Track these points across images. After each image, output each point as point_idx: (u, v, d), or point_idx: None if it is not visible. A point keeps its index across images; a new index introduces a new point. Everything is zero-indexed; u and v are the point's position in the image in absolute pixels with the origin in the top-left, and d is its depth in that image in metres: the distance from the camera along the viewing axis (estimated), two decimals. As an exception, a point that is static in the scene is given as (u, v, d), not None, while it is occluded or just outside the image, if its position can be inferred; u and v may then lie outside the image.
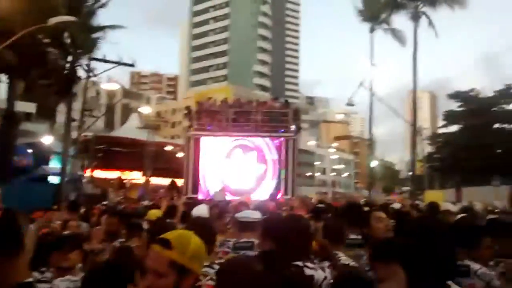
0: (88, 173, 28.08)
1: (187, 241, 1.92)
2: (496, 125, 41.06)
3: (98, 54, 20.13)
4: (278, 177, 18.96)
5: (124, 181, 28.13)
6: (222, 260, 3.72)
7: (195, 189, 17.87)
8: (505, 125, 41.19)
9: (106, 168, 34.43)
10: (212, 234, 3.06)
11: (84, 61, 19.96)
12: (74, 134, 20.84)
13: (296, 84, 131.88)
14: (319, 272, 2.81)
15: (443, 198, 12.98)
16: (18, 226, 2.01)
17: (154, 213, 6.16)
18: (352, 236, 3.92)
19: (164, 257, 1.83)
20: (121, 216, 5.79)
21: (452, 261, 2.06)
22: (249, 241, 3.92)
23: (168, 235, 1.92)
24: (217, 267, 2.65)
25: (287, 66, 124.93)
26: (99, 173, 32.05)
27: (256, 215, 4.24)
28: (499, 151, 38.05)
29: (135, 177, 32.86)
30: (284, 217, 4.20)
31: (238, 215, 4.27)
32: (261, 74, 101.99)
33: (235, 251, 3.89)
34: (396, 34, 34.49)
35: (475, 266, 3.02)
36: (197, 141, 18.89)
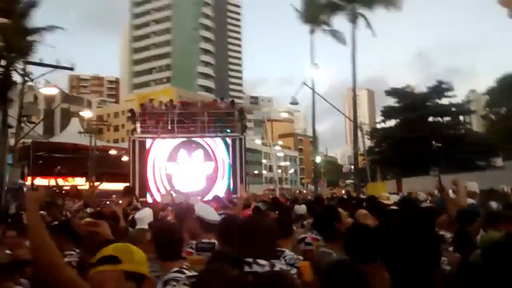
0: (29, 181, 26.92)
1: (129, 249, 1.93)
2: (431, 119, 43.34)
3: (34, 57, 19.35)
4: (227, 176, 19.13)
5: (79, 189, 27.18)
6: (185, 265, 3.75)
7: (143, 193, 17.68)
8: (439, 118, 43.59)
9: (48, 176, 33.14)
10: (180, 238, 3.06)
11: (19, 65, 19.14)
12: (11, 141, 19.93)
13: (240, 85, 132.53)
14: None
15: (384, 189, 13.57)
16: None
17: None
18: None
19: (118, 272, 1.81)
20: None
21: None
22: (211, 242, 3.96)
23: (108, 251, 1.89)
24: (186, 271, 2.77)
25: (230, 66, 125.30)
26: (40, 181, 30.80)
27: (216, 216, 4.24)
28: (434, 143, 40.26)
29: (79, 183, 31.86)
30: (243, 218, 4.14)
31: (201, 214, 4.22)
32: (205, 75, 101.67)
33: (197, 252, 3.88)
34: (335, 35, 35.63)
35: None
36: (142, 144, 18.68)
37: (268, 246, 2.80)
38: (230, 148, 18.92)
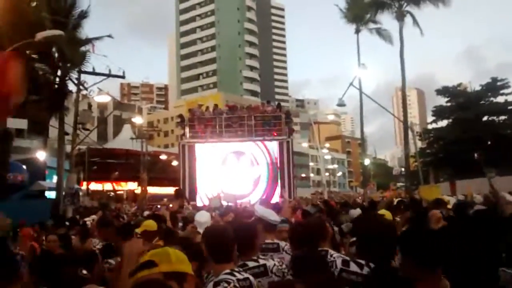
0: (84, 186, 28.00)
1: (165, 252, 1.99)
2: (485, 118, 41.51)
3: (87, 67, 20.11)
4: (275, 180, 19.08)
5: (136, 193, 28.17)
6: (254, 264, 3.77)
7: (193, 196, 17.96)
8: (494, 118, 41.66)
9: (102, 180, 34.40)
10: (231, 241, 3.03)
11: (73, 74, 19.94)
12: (67, 148, 20.79)
13: (286, 88, 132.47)
14: (270, 261, 3.25)
15: (437, 192, 13.04)
16: (12, 253, 2.02)
17: (148, 224, 5.87)
18: None
19: (156, 274, 1.86)
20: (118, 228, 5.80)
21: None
22: (274, 242, 3.95)
23: (145, 258, 1.96)
24: (237, 274, 2.80)
25: (275, 70, 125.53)
26: (95, 185, 32.01)
27: (277, 217, 4.23)
28: (489, 143, 38.48)
29: (131, 187, 32.83)
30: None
31: (264, 215, 4.18)
32: (251, 80, 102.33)
33: (262, 253, 3.73)
34: (382, 34, 34.88)
35: None
36: (191, 149, 18.99)
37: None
38: (278, 152, 18.89)
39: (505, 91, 41.37)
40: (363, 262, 2.96)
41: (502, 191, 12.29)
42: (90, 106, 23.64)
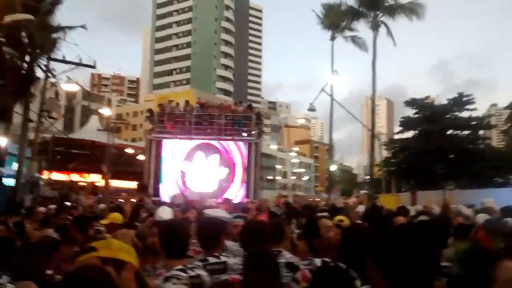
0: (45, 175, 27.31)
1: (108, 241, 2.13)
2: (450, 132, 42.71)
3: (57, 54, 19.66)
4: (241, 180, 19.13)
5: (97, 187, 27.62)
6: (195, 264, 3.84)
7: (156, 192, 17.80)
8: (458, 132, 42.92)
9: (65, 171, 33.63)
10: (186, 237, 3.09)
11: (42, 61, 19.46)
12: (31, 136, 20.26)
13: (259, 89, 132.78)
14: (232, 258, 3.32)
15: (397, 201, 13.42)
16: None
17: (114, 217, 5.96)
18: None
19: (94, 258, 1.93)
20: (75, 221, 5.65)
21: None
22: None
23: (93, 244, 2.07)
24: (189, 271, 2.80)
25: (250, 71, 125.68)
26: (57, 175, 31.27)
27: (226, 215, 4.43)
28: (452, 156, 39.62)
29: (95, 179, 32.22)
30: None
31: (209, 214, 4.34)
32: (224, 79, 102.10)
33: None
34: (357, 41, 35.47)
35: None
36: (158, 144, 18.83)
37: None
38: (246, 152, 18.95)
39: (470, 106, 42.73)
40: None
41: (461, 204, 12.73)
42: (57, 94, 23.01)
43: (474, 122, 42.60)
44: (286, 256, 3.52)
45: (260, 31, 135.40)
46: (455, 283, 2.02)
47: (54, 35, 19.64)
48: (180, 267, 2.81)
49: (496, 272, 1.86)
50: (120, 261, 1.99)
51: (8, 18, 13.06)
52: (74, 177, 33.46)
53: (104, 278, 1.59)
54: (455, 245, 2.61)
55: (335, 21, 35.91)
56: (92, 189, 25.24)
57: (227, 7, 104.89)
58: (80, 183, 30.35)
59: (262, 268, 2.61)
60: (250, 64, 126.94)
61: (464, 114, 42.90)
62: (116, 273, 1.90)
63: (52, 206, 10.40)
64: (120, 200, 17.24)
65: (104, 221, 5.83)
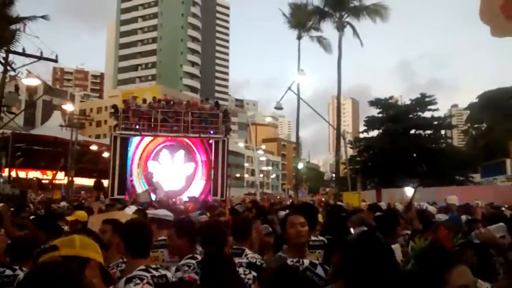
0: (6, 172, 26.36)
1: (71, 238, 2.06)
2: (413, 131, 43.82)
3: (17, 47, 18.94)
4: (208, 178, 19.05)
5: (43, 182, 26.78)
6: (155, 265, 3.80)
7: (122, 190, 17.50)
8: (421, 131, 44.09)
9: (27, 168, 32.59)
10: (149, 236, 3.04)
11: (1, 53, 18.74)
12: (-11, 132, 19.52)
13: (226, 86, 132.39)
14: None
15: (359, 199, 13.73)
16: None
17: (79, 214, 5.93)
18: (313, 238, 4.03)
19: (56, 258, 1.90)
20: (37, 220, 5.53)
21: None
22: (165, 238, 3.96)
23: (55, 242, 2.04)
24: (152, 270, 2.74)
25: (217, 68, 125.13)
26: (18, 173, 30.26)
27: (169, 213, 4.45)
28: (415, 155, 40.67)
29: (58, 177, 31.33)
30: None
31: (153, 212, 4.45)
32: (191, 75, 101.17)
33: (153, 250, 3.81)
34: (322, 42, 35.84)
35: None
36: (124, 141, 18.51)
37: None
38: (213, 150, 18.88)
39: (432, 107, 43.97)
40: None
41: (423, 201, 13.07)
42: (17, 88, 22.17)
43: (436, 122, 43.91)
44: (248, 255, 3.56)
45: (227, 28, 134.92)
46: (406, 278, 2.08)
47: (13, 27, 18.92)
48: (143, 266, 2.74)
49: (448, 276, 1.92)
50: (83, 258, 1.97)
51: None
52: (37, 174, 32.47)
53: (66, 274, 1.53)
54: (415, 240, 2.70)
55: (301, 20, 36.15)
56: (38, 185, 24.50)
57: (194, 3, 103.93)
58: (43, 181, 29.44)
59: (218, 268, 2.59)
60: (217, 61, 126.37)
61: (427, 114, 44.16)
62: (80, 270, 1.87)
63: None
64: (82, 199, 16.87)
65: (69, 218, 5.84)
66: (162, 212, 4.34)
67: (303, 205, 5.32)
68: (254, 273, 3.12)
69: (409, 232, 4.96)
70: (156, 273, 2.74)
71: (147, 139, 19.14)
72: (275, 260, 3.23)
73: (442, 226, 4.11)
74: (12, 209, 6.55)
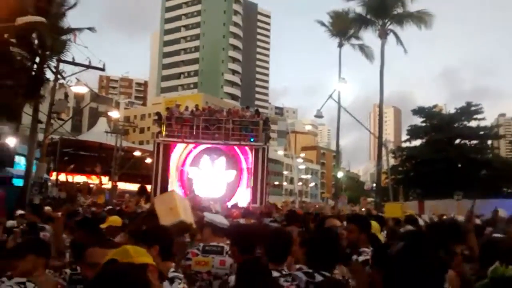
0: (54, 176, 27.35)
1: (124, 249, 2.15)
2: (458, 141, 42.49)
3: (67, 56, 19.78)
4: (248, 185, 19.12)
5: (91, 186, 27.64)
6: (189, 262, 3.92)
7: (164, 195, 17.85)
8: (466, 141, 42.68)
9: (73, 172, 33.79)
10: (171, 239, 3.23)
11: (52, 62, 19.58)
12: (40, 137, 20.37)
13: (266, 94, 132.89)
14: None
15: (402, 210, 13.39)
16: None
17: (113, 220, 5.96)
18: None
19: None
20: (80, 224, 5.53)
21: None
22: (219, 245, 4.04)
23: (108, 257, 2.09)
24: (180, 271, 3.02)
25: (257, 76, 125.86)
26: (65, 177, 31.42)
27: (225, 221, 4.39)
28: (460, 166, 39.39)
29: (103, 181, 32.31)
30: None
31: (210, 217, 4.34)
32: (232, 83, 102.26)
33: (203, 254, 3.99)
34: (364, 50, 35.43)
35: None
36: (166, 147, 18.89)
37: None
38: (253, 157, 18.95)
39: (478, 116, 42.53)
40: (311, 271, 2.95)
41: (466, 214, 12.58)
42: (66, 96, 23.08)
43: (482, 132, 42.37)
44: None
45: (268, 36, 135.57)
46: None
47: (64, 37, 19.77)
48: (173, 268, 2.98)
49: None
50: (142, 264, 2.06)
51: (20, 21, 13.15)
52: (82, 178, 33.57)
53: (136, 274, 1.64)
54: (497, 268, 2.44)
55: (342, 28, 35.90)
56: (88, 190, 25.29)
57: (236, 12, 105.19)
58: (91, 185, 30.44)
59: (254, 277, 2.62)
60: (258, 69, 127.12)
61: (472, 123, 42.68)
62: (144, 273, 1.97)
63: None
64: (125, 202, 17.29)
65: (103, 225, 5.80)
66: (219, 219, 4.31)
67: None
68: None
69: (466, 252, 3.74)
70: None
71: (188, 146, 19.44)
72: None
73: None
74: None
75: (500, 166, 39.01)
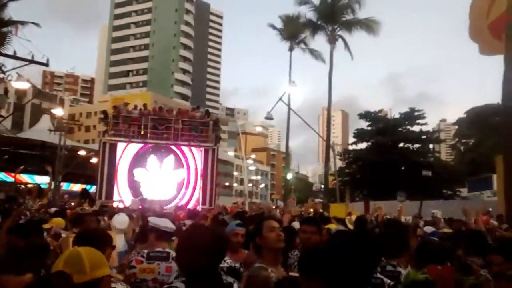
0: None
1: (79, 260, 1.90)
2: (401, 144, 44.18)
3: (8, 49, 18.86)
4: (197, 186, 18.97)
5: (43, 190, 26.41)
6: (134, 270, 3.73)
7: (109, 196, 17.35)
8: (409, 145, 44.47)
9: (13, 172, 32.18)
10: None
11: (-9, 56, 18.62)
12: (-24, 134, 19.31)
13: (217, 95, 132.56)
14: None
15: (346, 211, 13.77)
16: None
17: (56, 222, 5.85)
18: None
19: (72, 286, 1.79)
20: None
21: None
22: (164, 251, 3.87)
23: (58, 265, 1.88)
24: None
25: (208, 76, 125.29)
26: (4, 176, 29.90)
27: (170, 225, 4.13)
28: (403, 168, 40.94)
29: (45, 181, 30.97)
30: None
31: (154, 222, 4.10)
32: (182, 83, 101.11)
33: (148, 261, 3.79)
34: (314, 53, 36.17)
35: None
36: (112, 147, 18.39)
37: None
38: (202, 158, 18.82)
39: (421, 121, 44.46)
40: None
41: (411, 214, 13.12)
42: (6, 91, 22.03)
43: (424, 136, 44.35)
44: (227, 260, 3.63)
45: (220, 36, 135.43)
46: None
47: (5, 29, 18.85)
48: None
49: None
50: (96, 279, 1.90)
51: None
52: (21, 179, 32.05)
53: None
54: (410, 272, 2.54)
55: (293, 32, 36.48)
56: (37, 192, 24.17)
57: (188, 11, 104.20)
58: (29, 185, 29.08)
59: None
60: (209, 69, 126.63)
61: (415, 128, 44.59)
62: None
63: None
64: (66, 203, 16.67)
65: (46, 226, 5.70)
66: (164, 224, 4.04)
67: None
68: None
69: None
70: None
71: (135, 145, 19.00)
72: (255, 270, 3.08)
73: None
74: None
75: (440, 169, 40.89)
